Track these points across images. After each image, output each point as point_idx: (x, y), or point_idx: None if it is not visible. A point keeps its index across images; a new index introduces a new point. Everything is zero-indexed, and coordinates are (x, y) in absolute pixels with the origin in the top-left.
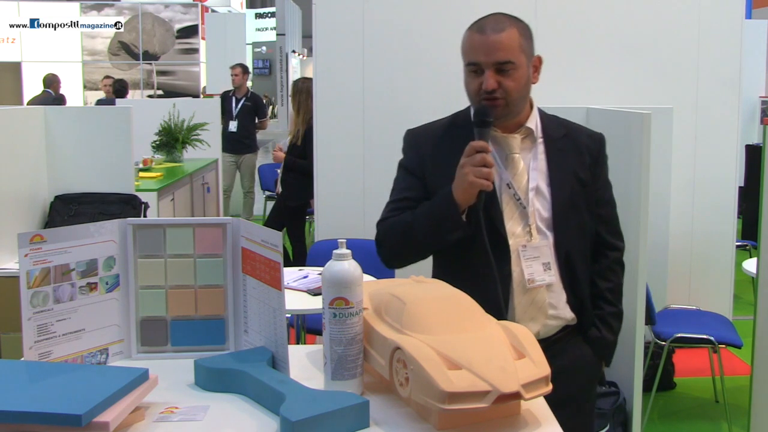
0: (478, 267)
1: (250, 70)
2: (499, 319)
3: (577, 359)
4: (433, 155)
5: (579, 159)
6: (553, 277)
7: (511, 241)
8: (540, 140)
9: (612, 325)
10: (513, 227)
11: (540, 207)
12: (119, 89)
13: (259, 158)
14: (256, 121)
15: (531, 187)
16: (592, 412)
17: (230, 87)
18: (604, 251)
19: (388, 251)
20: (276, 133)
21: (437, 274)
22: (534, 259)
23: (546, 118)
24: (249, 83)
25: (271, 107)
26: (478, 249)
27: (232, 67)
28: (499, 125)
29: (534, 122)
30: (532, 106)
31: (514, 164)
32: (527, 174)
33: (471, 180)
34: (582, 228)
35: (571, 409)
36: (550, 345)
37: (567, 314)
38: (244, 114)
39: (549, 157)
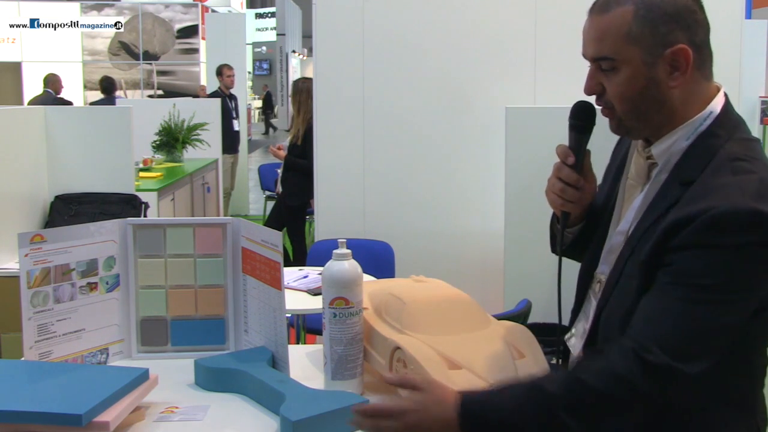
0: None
1: (250, 69)
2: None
3: None
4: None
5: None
6: None
7: (602, 278)
8: (663, 174)
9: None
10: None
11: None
12: (106, 86)
13: (258, 158)
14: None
15: (619, 229)
16: None
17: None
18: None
19: None
20: (275, 132)
21: None
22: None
23: (701, 148)
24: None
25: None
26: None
27: (230, 68)
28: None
29: (665, 144)
30: (693, 119)
31: (629, 192)
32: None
33: (546, 191)
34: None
35: None
36: None
37: None
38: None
39: (650, 201)
